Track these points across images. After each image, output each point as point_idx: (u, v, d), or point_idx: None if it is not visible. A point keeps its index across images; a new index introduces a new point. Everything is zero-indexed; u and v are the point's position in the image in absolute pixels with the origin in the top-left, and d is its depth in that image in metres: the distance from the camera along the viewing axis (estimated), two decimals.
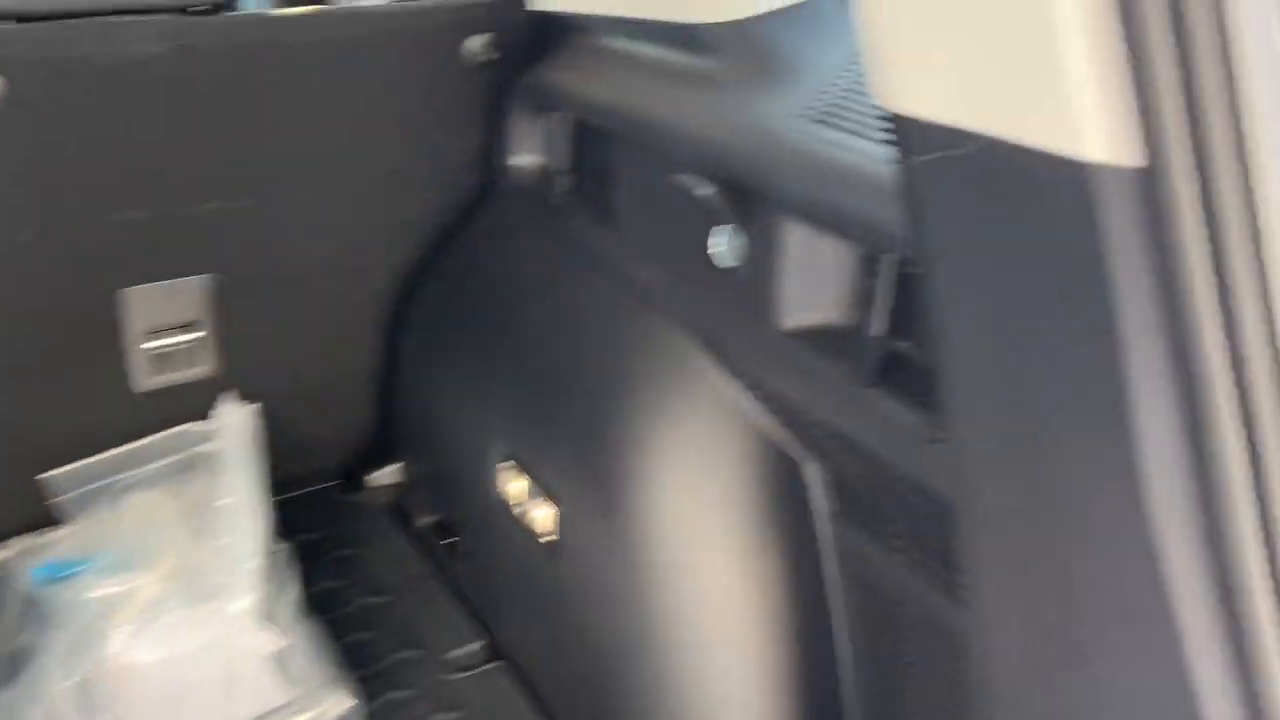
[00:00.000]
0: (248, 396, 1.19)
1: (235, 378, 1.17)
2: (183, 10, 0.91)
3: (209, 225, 1.03)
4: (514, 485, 1.00)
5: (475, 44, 1.05)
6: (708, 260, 0.82)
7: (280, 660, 0.99)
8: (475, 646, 1.08)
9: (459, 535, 1.13)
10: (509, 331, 1.05)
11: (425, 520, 1.24)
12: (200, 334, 1.11)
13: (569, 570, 0.90)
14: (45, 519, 1.13)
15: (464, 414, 1.11)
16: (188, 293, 1.07)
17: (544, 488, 0.94)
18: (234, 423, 1.18)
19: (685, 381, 0.84)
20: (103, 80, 0.88)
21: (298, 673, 0.98)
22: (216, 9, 0.94)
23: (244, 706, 0.93)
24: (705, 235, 0.82)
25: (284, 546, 1.13)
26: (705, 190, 0.76)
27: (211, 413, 1.16)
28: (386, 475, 1.32)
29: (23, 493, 1.10)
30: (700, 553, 0.82)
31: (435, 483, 1.21)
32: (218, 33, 0.92)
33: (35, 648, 0.99)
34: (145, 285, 1.04)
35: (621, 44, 0.96)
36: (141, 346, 1.08)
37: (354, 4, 1.05)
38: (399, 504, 1.29)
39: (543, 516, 0.95)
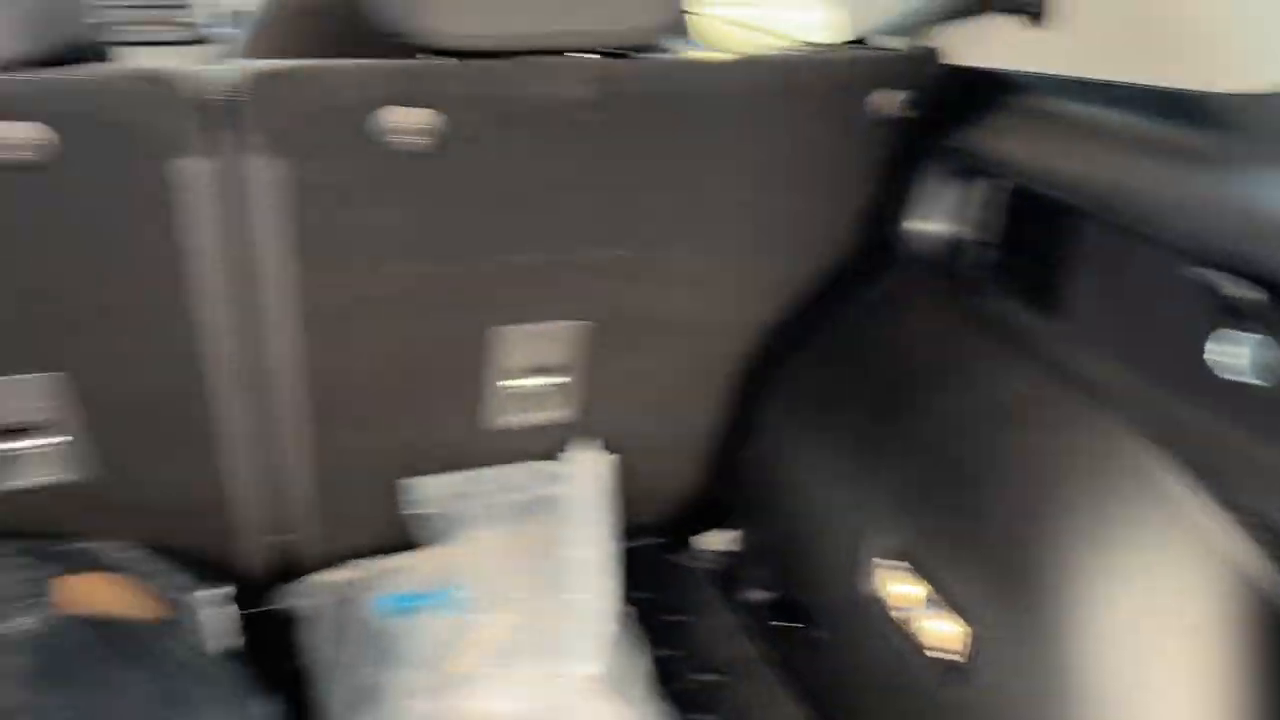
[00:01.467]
0: (601, 443, 1.17)
1: (583, 422, 1.15)
2: (614, 53, 0.89)
3: (584, 272, 1.00)
4: (897, 587, 0.91)
5: (886, 99, 0.98)
6: (1201, 366, 0.70)
7: None
8: None
9: (805, 623, 1.05)
10: (897, 409, 0.96)
11: (756, 595, 1.16)
12: (562, 379, 1.09)
13: (977, 699, 0.79)
14: (390, 543, 1.15)
15: (830, 493, 1.02)
16: (555, 337, 1.05)
17: (946, 598, 0.84)
18: (587, 469, 1.16)
19: (1152, 500, 0.72)
20: (530, 121, 0.87)
21: None
22: (636, 50, 0.92)
23: None
24: (1199, 337, 0.70)
25: (630, 610, 1.09)
26: (1236, 289, 0.64)
27: (562, 455, 1.15)
28: (715, 540, 1.26)
29: (371, 514, 1.11)
30: (1162, 707, 0.70)
31: (777, 559, 1.13)
32: (638, 76, 0.89)
33: (381, 682, 0.99)
34: (514, 326, 1.03)
35: (1077, 108, 0.85)
36: (500, 384, 1.07)
37: (763, 51, 1.00)
38: (725, 571, 1.23)
39: (939, 630, 0.85)
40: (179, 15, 1.90)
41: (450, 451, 1.12)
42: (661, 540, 1.27)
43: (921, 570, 0.88)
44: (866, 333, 1.03)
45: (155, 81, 0.78)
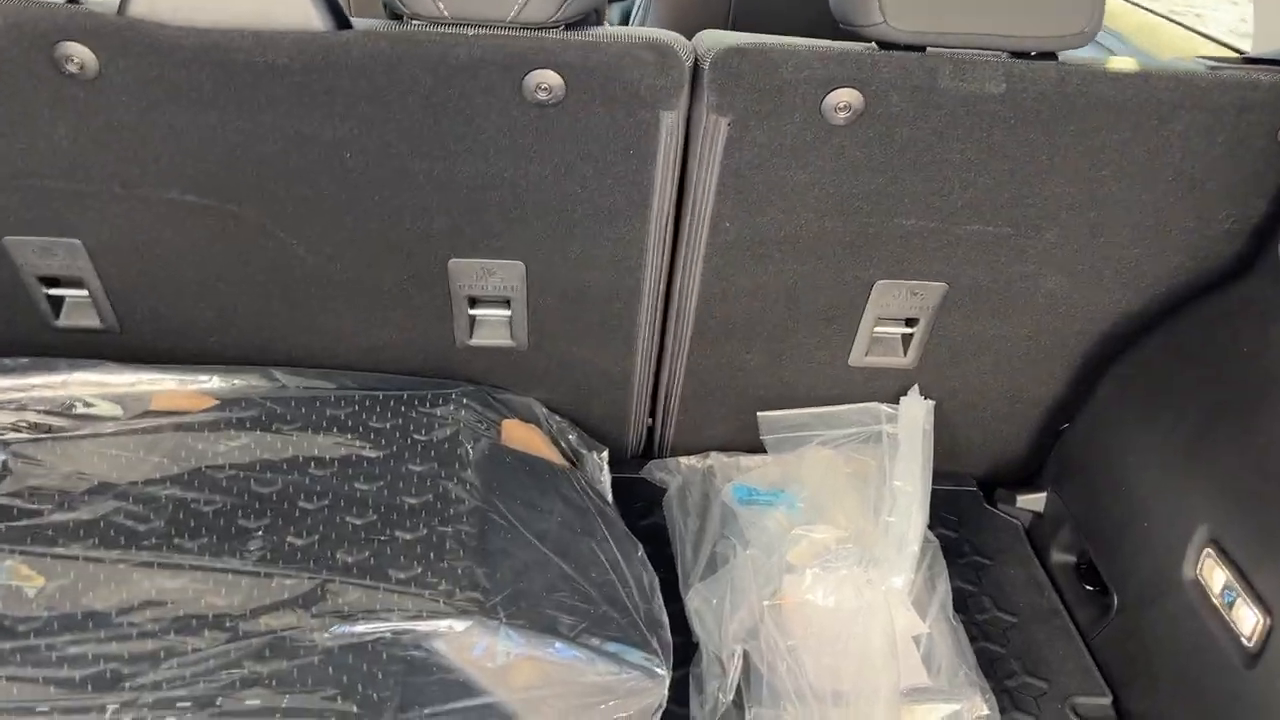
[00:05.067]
0: (930, 392, 1.31)
1: (922, 372, 1.28)
2: (1023, 54, 1.00)
3: (961, 242, 1.12)
4: (1207, 571, 0.98)
5: None
6: None
7: (925, 646, 1.10)
8: (1104, 702, 1.10)
9: (1111, 589, 1.14)
10: (1239, 410, 1.02)
11: (1064, 558, 1.26)
12: (915, 331, 1.22)
13: (1268, 688, 0.87)
14: (743, 446, 1.36)
15: (1155, 476, 1.10)
16: (920, 294, 1.18)
17: (1254, 591, 0.92)
18: (916, 414, 1.30)
19: None
20: (941, 107, 1.00)
21: (939, 664, 1.08)
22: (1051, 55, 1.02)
23: (890, 674, 1.04)
24: None
25: (935, 541, 1.24)
26: None
27: (899, 399, 1.30)
28: (1023, 498, 1.36)
29: (741, 422, 1.32)
30: None
31: (1087, 528, 1.22)
32: (1046, 79, 0.99)
33: (728, 555, 1.20)
34: (889, 281, 1.17)
35: None
36: (874, 331, 1.22)
37: (1169, 65, 1.06)
38: (1029, 528, 1.33)
39: (1241, 617, 0.93)
40: None
41: (809, 383, 1.29)
42: (971, 489, 1.39)
43: (1231, 558, 0.95)
44: (1221, 333, 1.08)
45: (654, 47, 0.99)
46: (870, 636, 1.08)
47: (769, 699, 1.01)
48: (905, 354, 1.26)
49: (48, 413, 1.11)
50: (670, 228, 1.13)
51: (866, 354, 1.26)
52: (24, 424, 1.11)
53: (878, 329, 1.24)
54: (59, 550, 0.95)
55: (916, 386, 1.28)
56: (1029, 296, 1.18)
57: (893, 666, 1.03)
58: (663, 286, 1.19)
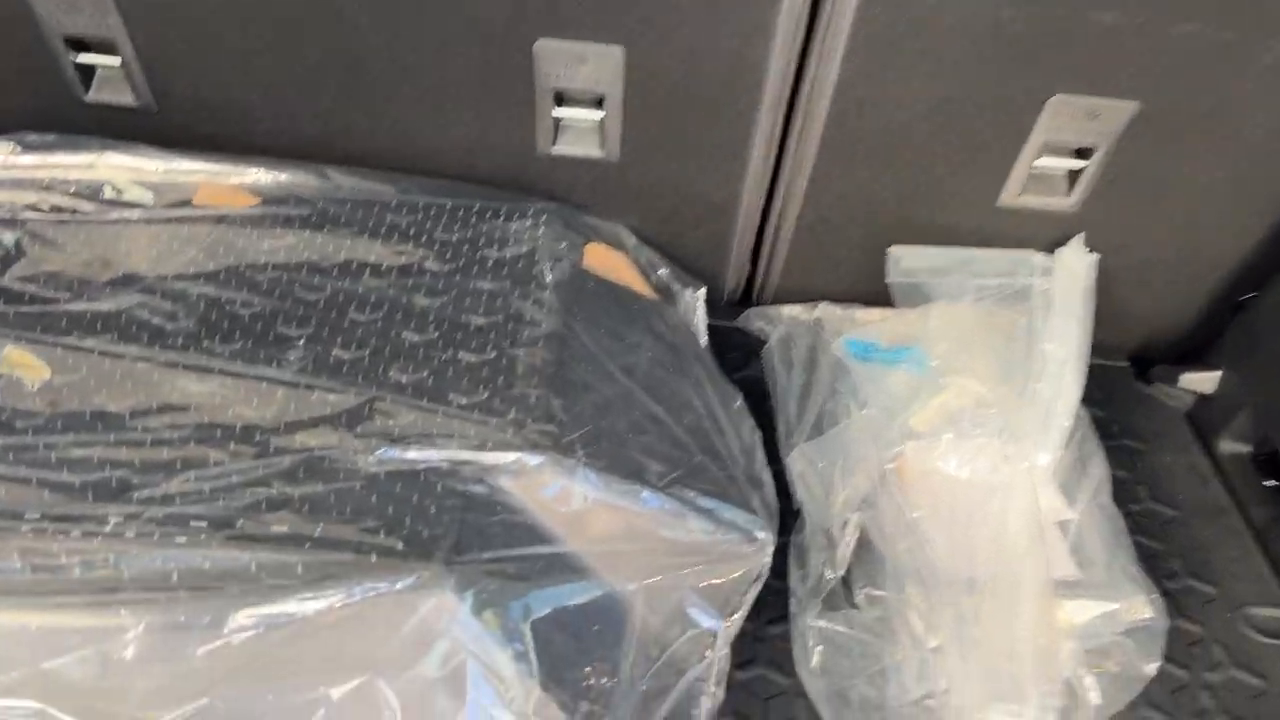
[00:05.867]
0: (1092, 243, 1.10)
1: (1091, 218, 1.07)
2: None
3: (1163, 45, 0.90)
4: None
5: None
6: None
7: (1075, 534, 0.93)
8: None
9: None
10: None
11: (1238, 447, 1.07)
12: (1089, 165, 1.01)
13: None
14: (863, 296, 1.18)
15: None
16: (1101, 115, 0.97)
17: None
18: (1077, 267, 1.10)
19: None
20: None
21: (1092, 556, 0.91)
22: None
23: (1035, 562, 0.87)
24: None
25: (1087, 417, 1.05)
26: None
27: (1059, 249, 1.10)
28: (1189, 377, 1.16)
29: (859, 268, 1.13)
30: None
31: (1268, 414, 1.03)
32: None
33: (840, 415, 1.03)
34: (1069, 97, 0.95)
35: None
36: (1035, 163, 1.01)
37: None
38: (1199, 414, 1.14)
39: None
40: None
41: (948, 224, 1.10)
42: (1121, 363, 1.20)
43: None
44: None
45: None
46: (1010, 517, 0.91)
47: (887, 579, 0.85)
48: (1069, 194, 1.05)
49: (73, 195, 0.97)
50: (805, 12, 0.92)
51: (1022, 192, 1.05)
52: (45, 205, 0.97)
53: (1040, 161, 1.03)
54: (70, 341, 0.81)
55: (1082, 235, 1.08)
56: (1239, 127, 0.96)
57: (1039, 553, 0.86)
58: (787, 90, 0.99)
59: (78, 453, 0.72)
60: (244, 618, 0.60)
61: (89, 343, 0.81)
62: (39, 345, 0.80)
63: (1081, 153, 1.02)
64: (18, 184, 0.98)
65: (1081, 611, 0.86)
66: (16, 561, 0.62)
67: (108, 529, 0.65)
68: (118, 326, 0.84)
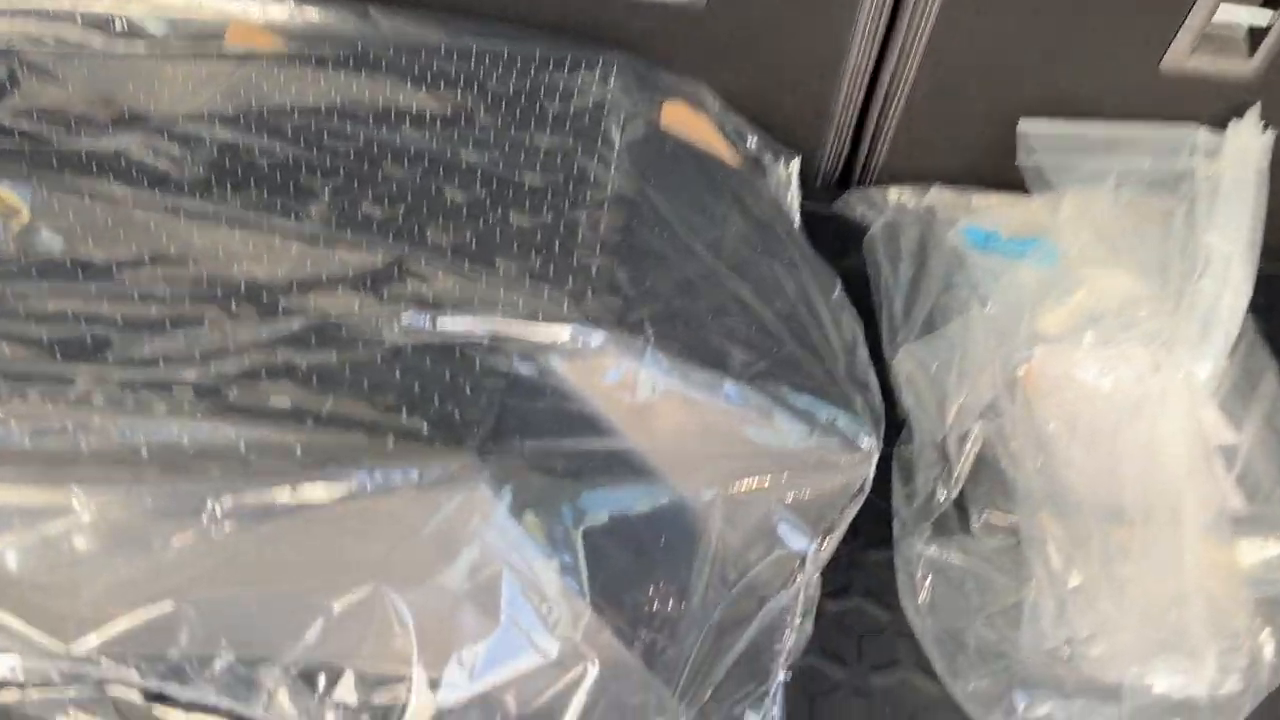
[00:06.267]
0: (1272, 118, 0.92)
1: (1274, 87, 0.89)
2: None
3: None
4: None
5: None
6: None
7: (1244, 461, 0.77)
8: None
9: None
10: None
11: None
12: (1273, 18, 0.83)
13: None
14: (984, 179, 1.01)
15: None
16: None
17: None
18: (1250, 147, 0.92)
19: None
20: None
21: (1263, 487, 0.75)
22: None
23: (1196, 490, 0.72)
24: None
25: (1254, 324, 0.89)
26: None
27: (1231, 124, 0.92)
28: None
29: (985, 143, 0.96)
30: None
31: None
32: None
33: (954, 311, 0.88)
34: None
35: None
36: (1213, 17, 0.83)
37: None
38: None
39: None
40: None
41: (1096, 93, 0.92)
42: None
43: None
44: None
45: None
46: (1164, 437, 0.75)
47: (1015, 502, 0.71)
48: (1250, 56, 0.87)
49: (81, 25, 0.85)
50: None
51: (1193, 52, 0.87)
52: (49, 37, 0.85)
53: (1222, 13, 0.85)
54: (57, 181, 0.69)
55: (1258, 106, 0.90)
56: None
57: (1203, 480, 0.71)
58: None
59: (51, 305, 0.60)
60: (225, 506, 0.48)
61: (79, 184, 0.70)
62: (20, 184, 0.69)
63: (1272, 1, 0.84)
64: (20, 13, 0.86)
65: (1252, 552, 0.71)
66: None
67: (72, 394, 0.53)
68: (115, 168, 0.72)
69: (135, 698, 0.56)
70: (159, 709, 0.56)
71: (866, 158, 1.04)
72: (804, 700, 0.65)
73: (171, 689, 0.50)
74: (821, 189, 1.04)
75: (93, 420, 0.51)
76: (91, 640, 0.48)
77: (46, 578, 0.48)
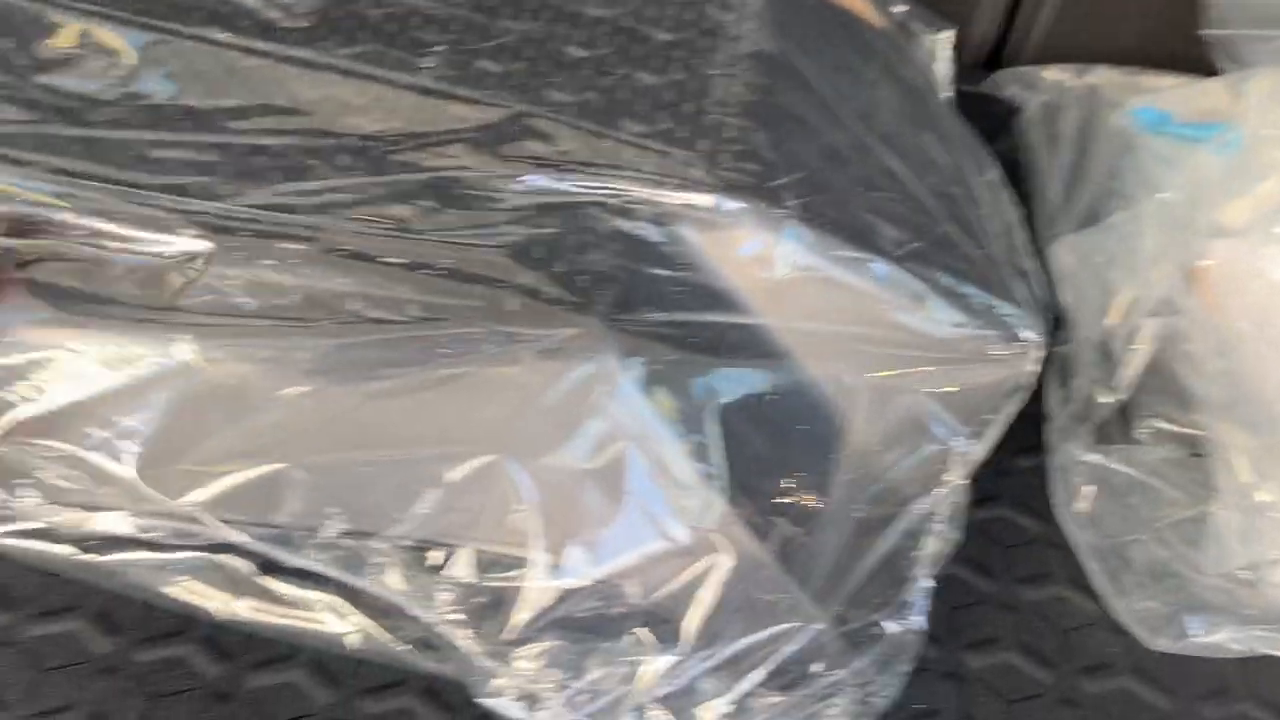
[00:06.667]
0: None
1: None
2: None
3: None
4: None
5: None
6: None
7: None
8: None
9: None
10: None
11: None
12: None
13: None
14: (1158, 60, 0.91)
15: None
16: None
17: None
18: None
19: None
20: None
21: None
22: None
23: None
24: None
25: None
26: None
27: None
28: None
29: (1158, 18, 0.86)
30: None
31: None
32: None
33: (1120, 199, 0.80)
34: None
35: None
36: None
37: None
38: None
39: None
40: None
41: None
42: None
43: None
44: None
45: None
46: None
47: (1190, 409, 0.64)
48: None
49: None
50: None
51: None
52: None
53: None
54: (162, 24, 0.66)
55: None
56: None
57: None
58: None
59: (158, 153, 0.57)
60: (335, 363, 0.45)
61: (186, 29, 0.66)
62: (126, 27, 0.65)
63: None
64: None
65: None
66: (70, 268, 0.49)
67: (175, 241, 0.50)
68: (221, 16, 0.68)
69: (243, 565, 0.54)
70: (267, 579, 0.54)
71: (1023, 34, 0.94)
72: (944, 610, 0.59)
73: (280, 554, 0.48)
74: (971, 67, 0.94)
75: (200, 267, 0.48)
76: (198, 496, 0.46)
77: (156, 428, 0.46)
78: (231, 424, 0.45)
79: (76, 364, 0.45)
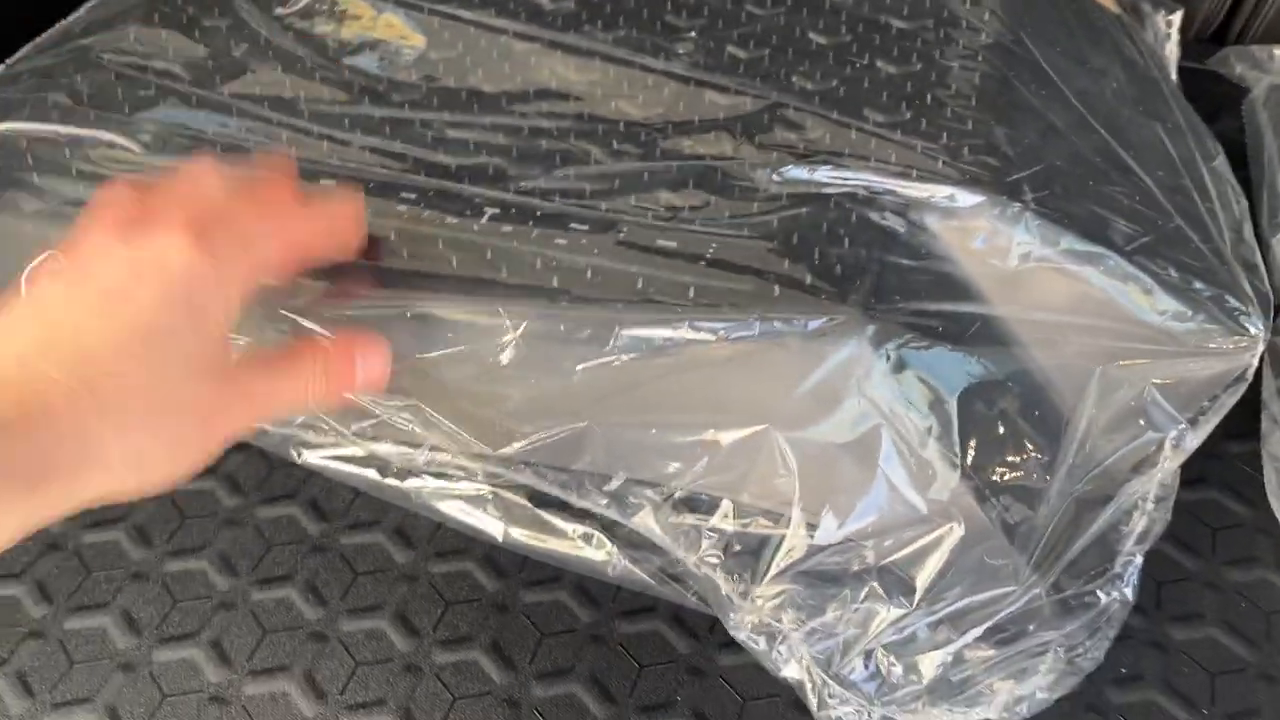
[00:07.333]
0: None
1: None
2: None
3: None
4: None
5: None
6: None
7: None
8: None
9: None
10: None
11: None
12: None
13: None
14: None
15: None
16: None
17: None
18: None
19: None
20: None
21: None
22: None
23: None
24: None
25: None
26: None
27: None
28: None
29: None
30: None
31: None
32: None
33: None
34: None
35: None
36: None
37: None
38: None
39: None
40: None
41: None
42: None
43: None
44: None
45: None
46: None
47: None
48: None
49: None
50: None
51: None
52: None
53: None
54: (445, 9, 0.73)
55: None
56: None
57: None
58: None
59: (453, 134, 0.65)
60: (628, 337, 0.52)
61: (464, 14, 0.73)
62: (413, 12, 0.73)
63: None
64: None
65: None
66: (393, 240, 0.57)
67: (484, 219, 0.57)
68: (494, 0, 0.75)
69: (519, 499, 0.62)
70: (540, 511, 0.62)
71: (1252, 9, 0.92)
72: (1151, 585, 0.63)
73: (570, 497, 0.56)
74: (1194, 43, 0.94)
75: (507, 247, 0.55)
76: (515, 447, 0.54)
77: (474, 388, 0.54)
78: (540, 386, 0.53)
79: (425, 328, 0.53)
